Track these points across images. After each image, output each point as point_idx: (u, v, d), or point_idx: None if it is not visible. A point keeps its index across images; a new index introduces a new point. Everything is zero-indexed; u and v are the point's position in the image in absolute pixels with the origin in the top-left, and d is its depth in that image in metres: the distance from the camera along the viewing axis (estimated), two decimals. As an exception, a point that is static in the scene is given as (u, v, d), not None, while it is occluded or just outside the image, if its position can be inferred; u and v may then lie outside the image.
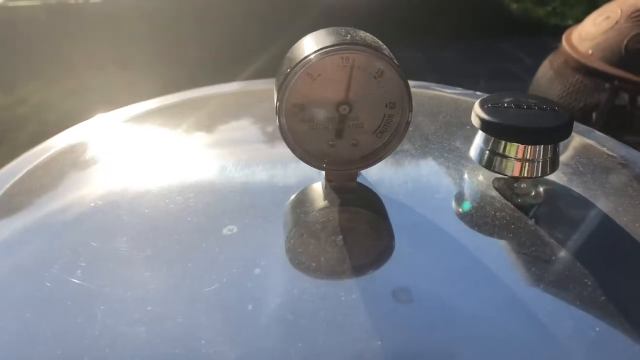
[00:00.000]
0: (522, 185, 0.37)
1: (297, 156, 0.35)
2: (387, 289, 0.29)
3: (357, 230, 0.34)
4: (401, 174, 0.40)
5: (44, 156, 0.45)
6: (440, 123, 0.48)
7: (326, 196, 0.36)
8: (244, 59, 2.40)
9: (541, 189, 0.38)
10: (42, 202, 0.39)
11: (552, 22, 3.29)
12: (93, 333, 0.27)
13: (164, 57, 2.54)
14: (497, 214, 0.35)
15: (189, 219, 0.34)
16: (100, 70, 2.43)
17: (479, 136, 0.38)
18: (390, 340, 0.27)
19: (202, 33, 2.75)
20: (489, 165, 0.37)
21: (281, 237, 0.33)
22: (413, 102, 0.34)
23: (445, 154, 0.42)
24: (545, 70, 1.31)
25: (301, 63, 0.33)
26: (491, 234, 0.33)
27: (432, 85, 0.58)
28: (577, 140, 0.46)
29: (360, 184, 0.37)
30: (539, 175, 0.36)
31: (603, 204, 0.37)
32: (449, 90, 0.57)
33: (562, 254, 0.32)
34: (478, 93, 0.53)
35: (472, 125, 0.37)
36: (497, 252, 0.33)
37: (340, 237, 0.32)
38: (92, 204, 0.37)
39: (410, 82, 0.34)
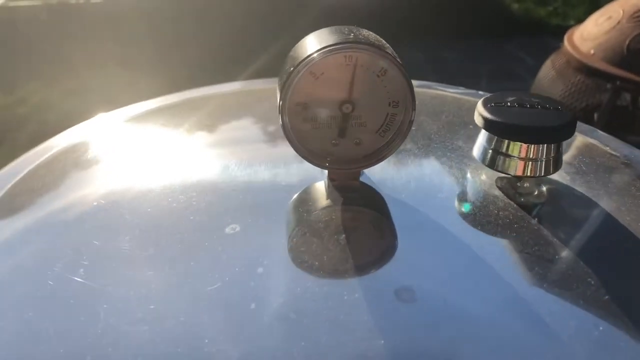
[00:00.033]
0: (525, 185, 0.37)
1: (300, 155, 0.35)
2: (390, 288, 0.29)
3: (360, 230, 0.34)
4: (404, 173, 0.40)
5: (46, 155, 0.45)
6: (443, 122, 0.47)
7: (329, 195, 0.36)
8: (244, 58, 2.40)
9: (544, 188, 0.38)
10: (44, 202, 0.39)
11: (553, 23, 3.29)
12: (96, 332, 0.27)
13: (164, 57, 2.54)
14: (500, 213, 0.35)
15: (191, 217, 0.34)
16: (101, 70, 2.43)
17: (482, 135, 0.38)
18: (393, 339, 0.26)
19: (202, 33, 2.75)
20: (492, 164, 0.37)
21: (284, 236, 0.33)
22: (416, 101, 0.34)
23: (448, 153, 0.42)
24: (547, 70, 1.31)
25: (304, 62, 0.33)
26: (494, 234, 0.33)
27: (435, 84, 0.58)
28: (580, 139, 0.46)
29: (363, 183, 0.37)
30: (542, 174, 0.36)
31: (606, 204, 0.37)
32: (451, 90, 0.57)
33: (565, 253, 0.32)
34: (480, 92, 0.53)
35: (475, 125, 0.37)
36: (500, 252, 0.33)
37: (343, 236, 0.32)
38: (95, 203, 0.37)
39: (413, 82, 0.34)
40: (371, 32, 0.35)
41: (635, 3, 1.19)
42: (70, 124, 0.51)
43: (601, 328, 0.27)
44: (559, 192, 0.38)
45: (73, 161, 0.45)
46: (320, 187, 0.37)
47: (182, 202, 0.36)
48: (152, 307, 0.28)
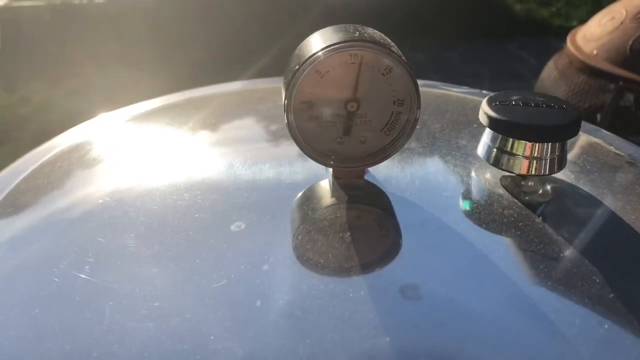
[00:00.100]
0: (530, 183, 0.37)
1: (305, 153, 0.35)
2: (395, 286, 0.29)
3: (365, 228, 0.34)
4: (408, 171, 0.40)
5: (50, 154, 0.45)
6: (447, 121, 0.48)
7: (333, 193, 0.36)
8: (246, 58, 2.40)
9: (549, 187, 0.38)
10: (49, 200, 0.40)
11: (556, 23, 3.29)
12: (102, 329, 0.27)
13: (167, 57, 2.54)
14: (505, 211, 0.35)
15: (196, 215, 0.34)
16: (104, 70, 2.44)
17: (487, 134, 0.38)
18: (399, 337, 0.27)
19: (205, 33, 2.75)
20: (496, 163, 0.37)
21: (289, 234, 0.33)
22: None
23: (453, 152, 0.42)
24: (550, 71, 1.31)
25: (309, 60, 0.33)
26: (499, 232, 0.33)
27: (438, 84, 0.58)
28: (584, 138, 0.46)
29: (367, 182, 0.37)
30: (547, 173, 0.36)
31: (610, 202, 0.37)
32: (455, 89, 0.57)
33: (570, 251, 0.32)
34: (484, 92, 0.53)
35: (479, 124, 0.37)
36: (504, 250, 0.33)
37: (348, 234, 0.32)
38: (100, 201, 0.37)
39: (417, 81, 0.34)
40: (376, 31, 0.35)
41: (638, 3, 1.19)
42: (73, 123, 0.52)
43: (606, 326, 0.27)
44: (564, 191, 0.38)
45: (77, 160, 0.45)
46: (325, 185, 0.37)
47: (187, 200, 0.36)
48: (158, 304, 0.28)
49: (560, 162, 0.36)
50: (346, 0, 2.88)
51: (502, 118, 0.35)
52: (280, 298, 0.28)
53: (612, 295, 0.29)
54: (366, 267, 0.31)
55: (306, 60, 0.33)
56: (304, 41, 0.35)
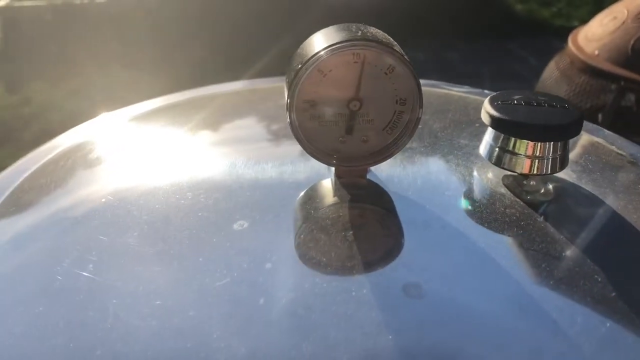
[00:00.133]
0: (532, 183, 0.37)
1: (307, 152, 0.35)
2: (397, 284, 0.29)
3: (367, 227, 0.34)
4: (411, 170, 0.40)
5: (53, 153, 0.45)
6: (449, 121, 0.48)
7: (336, 192, 0.36)
8: (246, 58, 2.40)
9: (550, 186, 0.38)
10: (52, 198, 0.40)
11: (557, 24, 3.29)
12: (106, 326, 0.27)
13: (168, 57, 2.54)
14: (507, 210, 0.35)
15: (199, 214, 0.34)
16: (105, 70, 2.44)
17: (489, 133, 0.38)
18: (401, 335, 0.27)
19: (206, 33, 2.75)
20: (498, 162, 0.37)
21: (291, 233, 0.33)
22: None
23: (455, 151, 0.42)
24: (551, 71, 1.31)
25: (312, 59, 0.33)
26: (501, 231, 0.33)
27: (440, 83, 0.58)
28: (586, 138, 0.46)
29: (369, 181, 0.38)
30: (549, 172, 0.36)
31: (612, 202, 0.37)
32: (457, 89, 0.57)
33: (572, 250, 0.32)
34: (486, 91, 0.53)
35: (481, 123, 0.37)
36: (506, 249, 0.33)
37: (351, 232, 0.32)
38: (103, 200, 0.37)
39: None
40: (379, 30, 0.35)
41: (640, 3, 1.19)
42: (75, 123, 0.52)
43: (608, 325, 0.27)
44: (566, 190, 0.38)
45: (80, 159, 0.45)
46: (327, 184, 0.37)
47: (190, 199, 0.36)
48: (162, 302, 0.28)
49: (562, 162, 0.37)
50: (347, 0, 2.88)
51: (504, 117, 0.35)
52: (283, 296, 0.28)
53: (614, 294, 0.29)
54: (368, 266, 0.31)
55: (309, 59, 0.33)
56: (307, 40, 0.35)
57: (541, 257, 0.31)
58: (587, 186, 0.38)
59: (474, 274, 0.31)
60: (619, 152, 0.44)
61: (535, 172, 0.36)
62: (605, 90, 1.18)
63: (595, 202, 0.37)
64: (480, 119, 0.37)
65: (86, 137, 0.48)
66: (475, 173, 0.39)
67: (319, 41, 0.34)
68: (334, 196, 0.36)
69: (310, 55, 0.33)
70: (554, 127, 0.35)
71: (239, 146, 0.46)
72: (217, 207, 0.35)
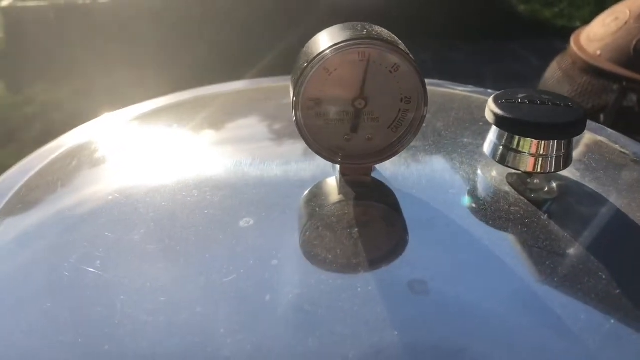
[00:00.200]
0: (536, 181, 0.38)
1: (312, 150, 0.35)
2: (402, 281, 0.30)
3: (372, 224, 0.34)
4: (415, 168, 0.40)
5: (58, 152, 0.46)
6: (453, 119, 0.48)
7: (341, 190, 0.37)
8: (249, 58, 2.40)
9: (554, 185, 0.38)
10: (60, 196, 0.40)
11: (559, 24, 3.28)
12: (113, 322, 0.27)
13: (170, 57, 2.55)
14: (511, 208, 0.35)
15: (206, 211, 0.35)
16: (107, 69, 2.44)
17: (493, 132, 0.38)
18: (406, 331, 0.27)
19: (209, 32, 2.76)
20: (502, 160, 0.37)
21: (297, 230, 0.33)
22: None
23: (459, 150, 0.42)
24: (553, 71, 1.31)
25: (318, 58, 0.33)
26: (505, 229, 0.34)
27: (444, 82, 0.59)
28: (590, 137, 0.46)
29: (374, 179, 0.38)
30: (553, 170, 0.37)
31: (615, 200, 0.37)
32: (460, 88, 0.57)
33: (576, 248, 0.32)
34: (489, 91, 0.53)
35: (485, 122, 0.38)
36: (510, 247, 0.33)
37: (356, 230, 0.33)
38: (110, 197, 0.37)
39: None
40: (384, 29, 0.35)
41: (642, 4, 1.19)
42: (77, 123, 0.52)
43: (612, 322, 0.28)
44: (569, 188, 0.38)
45: (86, 157, 0.45)
46: (332, 182, 0.38)
47: (196, 197, 0.36)
48: (168, 298, 0.29)
49: (566, 160, 0.37)
50: (350, 0, 2.88)
51: (508, 116, 0.36)
52: (289, 292, 0.29)
53: (618, 291, 0.29)
54: (374, 263, 0.31)
55: (314, 58, 0.33)
56: (312, 39, 0.36)
57: (545, 255, 0.31)
58: (590, 184, 0.38)
59: (479, 271, 0.31)
60: (623, 150, 0.44)
61: (539, 170, 0.36)
62: (607, 91, 1.18)
63: (598, 200, 0.37)
64: (484, 117, 0.37)
65: (93, 136, 0.48)
66: (479, 171, 0.40)
67: (325, 40, 0.34)
68: (339, 194, 0.36)
69: (315, 54, 0.33)
70: (558, 125, 0.35)
71: (244, 144, 0.46)
72: (223, 204, 0.36)
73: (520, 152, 0.36)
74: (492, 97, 0.37)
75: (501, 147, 0.37)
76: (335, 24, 0.36)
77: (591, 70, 1.19)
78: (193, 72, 2.32)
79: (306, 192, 0.37)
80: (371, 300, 0.28)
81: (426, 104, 0.35)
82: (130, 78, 2.33)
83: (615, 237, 0.34)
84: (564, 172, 0.38)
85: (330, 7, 2.76)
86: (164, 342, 0.27)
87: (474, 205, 0.36)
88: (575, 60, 1.24)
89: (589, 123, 0.40)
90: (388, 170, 0.38)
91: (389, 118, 0.35)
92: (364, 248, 0.31)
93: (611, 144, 0.45)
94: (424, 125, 0.36)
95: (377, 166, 0.38)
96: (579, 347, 0.27)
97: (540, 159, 0.36)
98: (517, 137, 0.36)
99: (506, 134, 0.37)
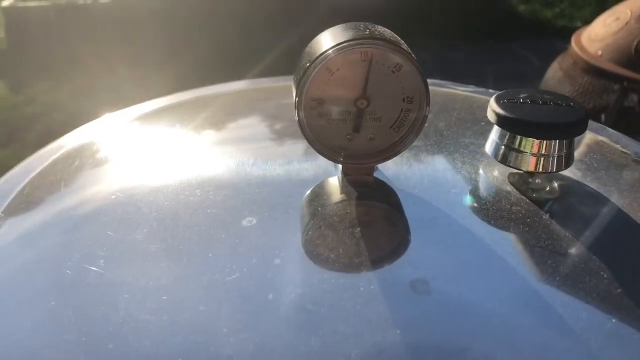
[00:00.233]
0: (537, 180, 0.38)
1: (315, 150, 0.35)
2: (404, 280, 0.30)
3: (374, 224, 0.35)
4: (417, 168, 0.40)
5: (61, 152, 0.46)
6: (455, 119, 0.48)
7: (343, 190, 0.37)
8: (250, 58, 2.40)
9: (556, 184, 0.38)
10: (62, 196, 0.40)
11: (560, 24, 3.28)
12: (117, 321, 0.27)
13: (171, 57, 2.55)
14: (513, 208, 0.35)
15: (208, 211, 0.35)
16: (108, 69, 2.44)
17: (495, 131, 0.38)
18: (408, 330, 0.27)
19: (209, 33, 2.76)
20: (504, 160, 0.37)
21: (299, 229, 0.33)
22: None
23: (461, 150, 0.42)
24: (554, 71, 1.32)
25: (320, 57, 0.33)
26: (506, 228, 0.34)
27: (446, 82, 0.59)
28: (591, 137, 0.46)
29: (376, 178, 0.38)
30: (554, 170, 0.37)
31: (617, 199, 0.37)
32: (462, 88, 0.57)
33: (577, 247, 0.32)
34: (491, 91, 0.53)
35: (487, 122, 0.38)
36: (512, 246, 0.33)
37: (358, 229, 0.33)
38: (113, 197, 0.37)
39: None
40: (386, 29, 0.35)
41: (643, 4, 1.19)
42: (78, 123, 0.52)
43: (613, 321, 0.28)
44: (571, 188, 0.38)
45: (88, 157, 0.45)
46: (334, 181, 0.38)
47: (198, 196, 0.36)
48: (172, 297, 0.29)
49: (567, 160, 0.37)
50: (351, 1, 2.88)
51: (510, 115, 0.36)
52: (292, 291, 0.29)
53: (619, 290, 0.29)
54: (376, 262, 0.31)
55: (317, 57, 0.33)
56: (315, 39, 0.36)
57: (547, 254, 0.31)
58: (592, 184, 0.38)
59: (481, 271, 0.31)
60: (624, 150, 0.44)
61: (540, 170, 0.37)
62: (608, 91, 1.19)
63: (600, 199, 0.37)
64: (486, 117, 0.38)
65: (94, 136, 0.48)
66: (481, 171, 0.40)
67: (327, 40, 0.34)
68: (341, 193, 0.36)
69: (318, 54, 0.33)
70: (559, 125, 0.35)
71: (246, 144, 0.46)
72: (225, 204, 0.36)
73: (521, 152, 0.36)
74: (494, 97, 0.37)
75: (503, 147, 0.37)
76: (336, 24, 0.36)
77: (592, 70, 1.19)
78: (194, 72, 2.32)
79: (308, 191, 0.37)
80: (373, 300, 0.28)
81: (428, 104, 0.35)
82: (131, 78, 2.34)
83: (617, 237, 0.34)
84: (566, 172, 0.38)
85: (331, 7, 2.76)
86: (167, 341, 0.27)
87: (475, 205, 0.36)
88: (576, 61, 1.24)
89: (590, 123, 0.40)
90: (390, 170, 0.39)
91: (391, 118, 0.36)
92: (366, 247, 0.32)
93: (612, 143, 0.45)
94: (426, 125, 0.36)
95: (379, 166, 0.38)
96: (580, 346, 0.27)
97: (542, 158, 0.36)
98: (518, 137, 0.36)
99: (508, 133, 0.37)
